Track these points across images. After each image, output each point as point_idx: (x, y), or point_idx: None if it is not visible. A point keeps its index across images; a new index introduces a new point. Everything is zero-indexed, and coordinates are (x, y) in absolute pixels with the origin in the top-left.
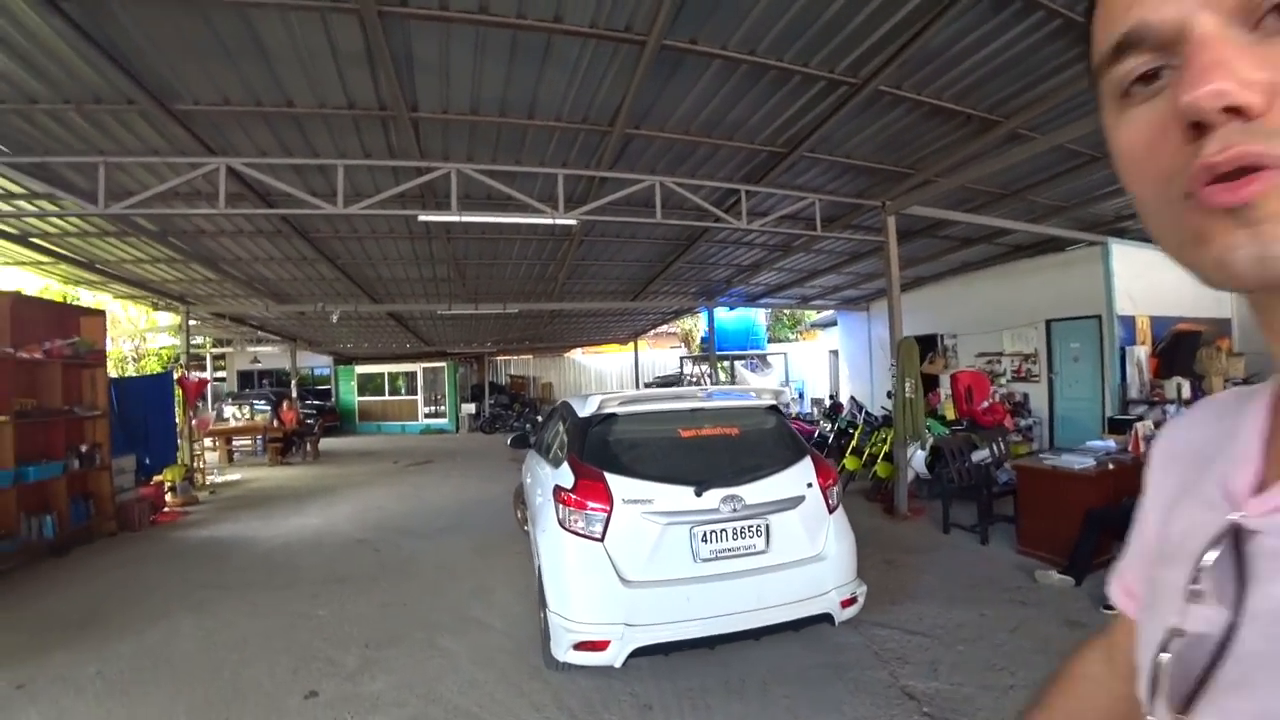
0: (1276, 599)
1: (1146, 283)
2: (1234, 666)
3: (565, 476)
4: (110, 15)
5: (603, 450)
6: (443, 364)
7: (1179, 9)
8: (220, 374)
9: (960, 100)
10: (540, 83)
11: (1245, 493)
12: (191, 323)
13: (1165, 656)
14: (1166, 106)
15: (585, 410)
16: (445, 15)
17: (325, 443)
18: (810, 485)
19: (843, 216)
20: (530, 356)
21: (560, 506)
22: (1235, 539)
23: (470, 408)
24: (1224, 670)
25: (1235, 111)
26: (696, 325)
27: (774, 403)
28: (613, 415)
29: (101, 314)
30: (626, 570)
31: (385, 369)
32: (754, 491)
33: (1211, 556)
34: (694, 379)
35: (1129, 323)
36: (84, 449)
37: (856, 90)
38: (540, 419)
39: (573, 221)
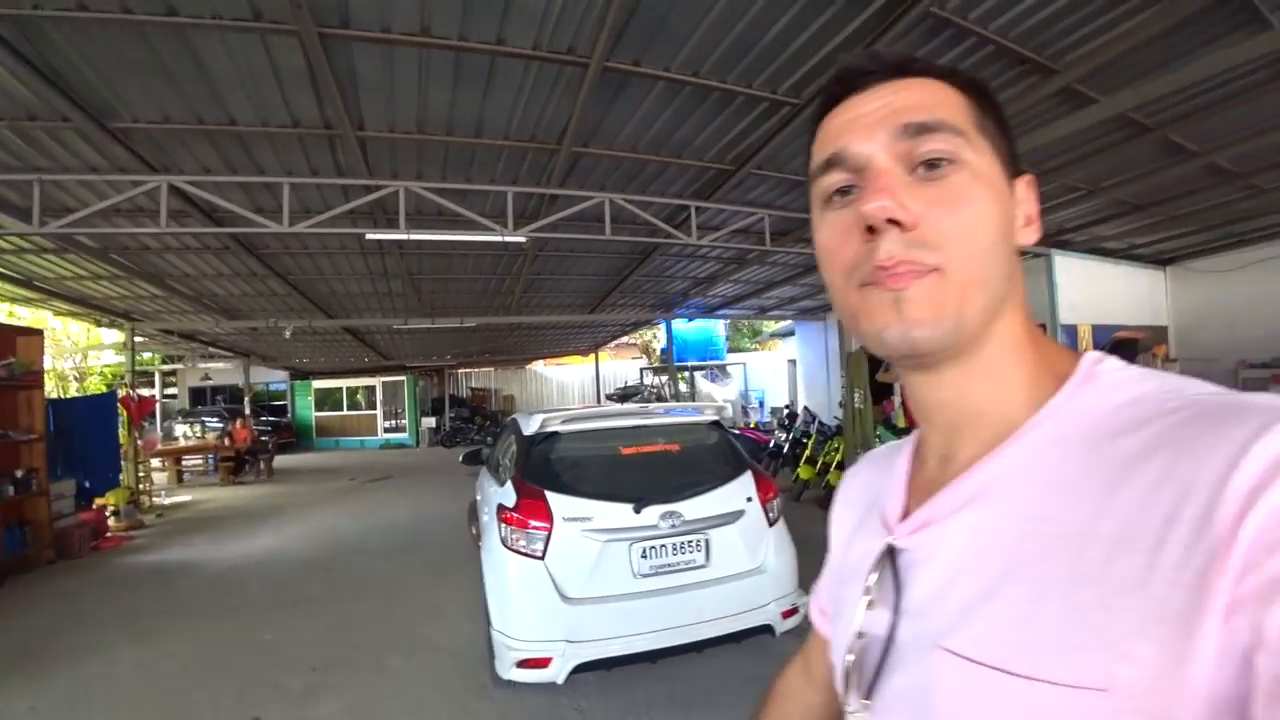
0: (917, 598)
1: (1088, 293)
2: (896, 654)
3: (508, 495)
4: (43, 35)
5: (545, 469)
6: (402, 378)
7: (868, 147)
8: (171, 391)
9: None
10: (486, 102)
11: (895, 521)
12: (138, 340)
13: (850, 656)
14: (853, 215)
15: (529, 428)
16: (387, 37)
17: (281, 460)
18: (750, 500)
19: (794, 230)
20: (491, 369)
21: (503, 525)
22: (891, 556)
23: (431, 421)
24: (890, 659)
25: (895, 223)
26: (656, 336)
27: (716, 418)
28: (555, 434)
29: (39, 333)
30: (567, 587)
31: (343, 383)
32: (693, 507)
33: (874, 577)
34: (654, 389)
35: (1072, 331)
36: (19, 474)
37: (799, 110)
38: (499, 432)
39: (522, 239)
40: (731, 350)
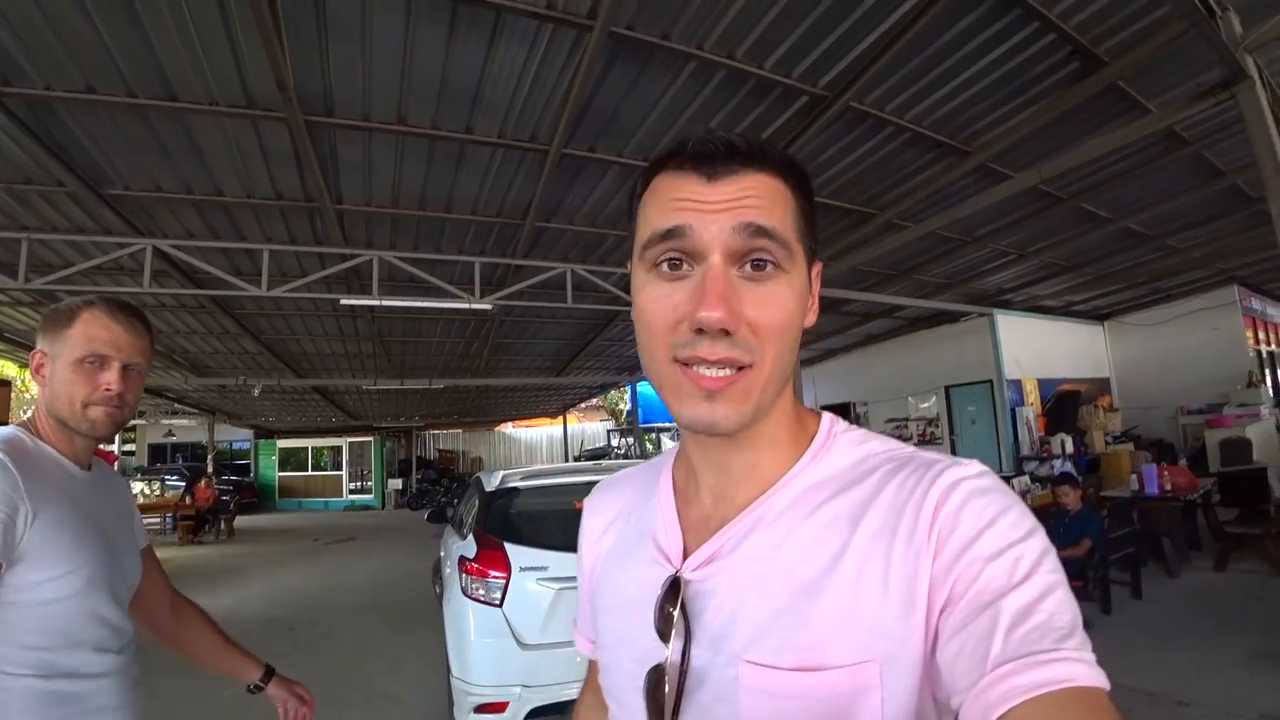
0: (711, 624)
1: (1031, 349)
2: (694, 677)
3: (470, 547)
4: (54, 114)
5: (504, 521)
6: (369, 438)
7: (708, 237)
8: (129, 447)
9: (837, 196)
10: (456, 181)
11: (678, 556)
12: None
13: (648, 688)
14: (683, 294)
15: (490, 485)
16: (367, 125)
17: (242, 520)
18: None
19: None
20: (460, 430)
21: (464, 575)
22: (677, 588)
23: (397, 483)
24: (690, 682)
25: (723, 330)
26: (623, 399)
27: None
28: (515, 489)
29: (7, 384)
30: (524, 634)
31: (309, 443)
32: None
33: (665, 605)
34: (621, 450)
35: (1017, 386)
36: None
37: None
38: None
39: (488, 306)
40: None
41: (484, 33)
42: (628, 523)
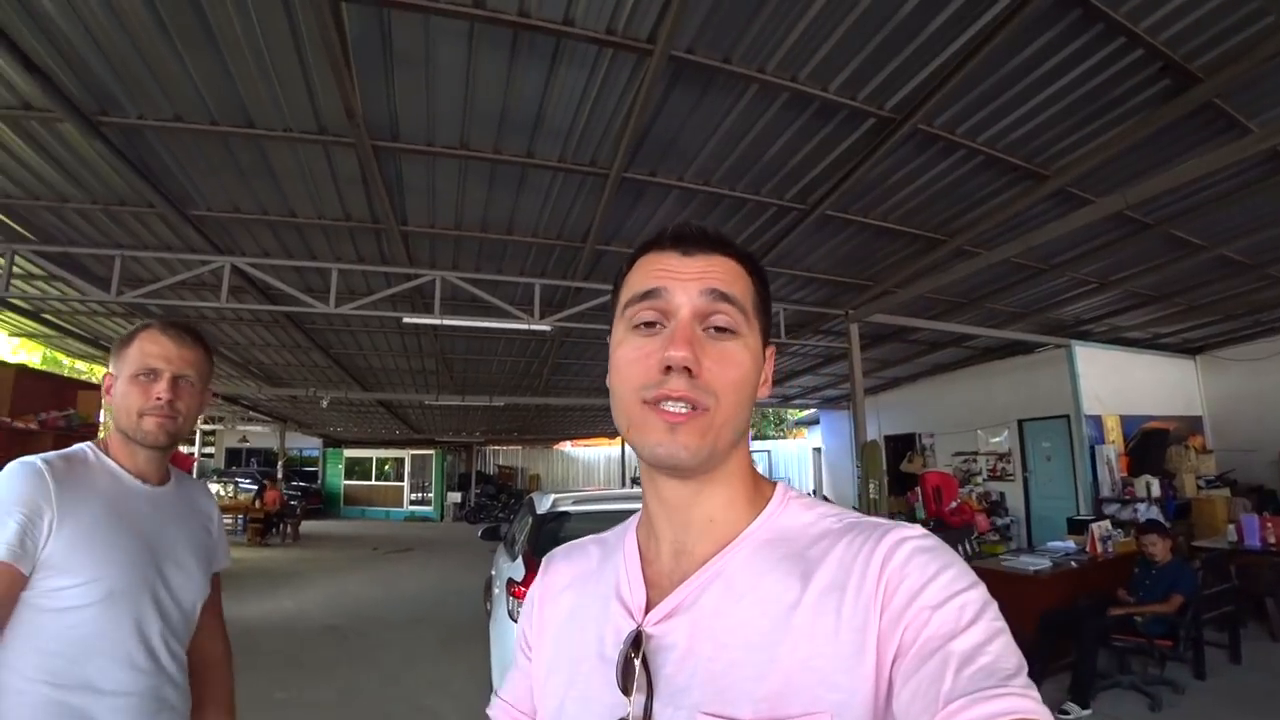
0: (665, 679)
1: (1113, 383)
2: None
3: (518, 570)
4: (145, 142)
5: (554, 545)
6: (431, 451)
7: (681, 299)
8: (209, 450)
9: (905, 222)
10: (518, 204)
11: (640, 611)
12: None
13: None
14: (654, 346)
15: (542, 507)
16: (431, 150)
17: (307, 525)
18: None
19: (811, 323)
20: (519, 447)
21: (511, 598)
22: (639, 642)
23: (456, 496)
24: None
25: (687, 369)
26: None
27: None
28: (565, 513)
29: (99, 388)
30: None
31: (374, 453)
32: None
33: (629, 659)
34: None
35: (1097, 422)
36: None
37: (806, 215)
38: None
39: (547, 328)
40: (756, 438)
41: (544, 58)
42: (588, 584)
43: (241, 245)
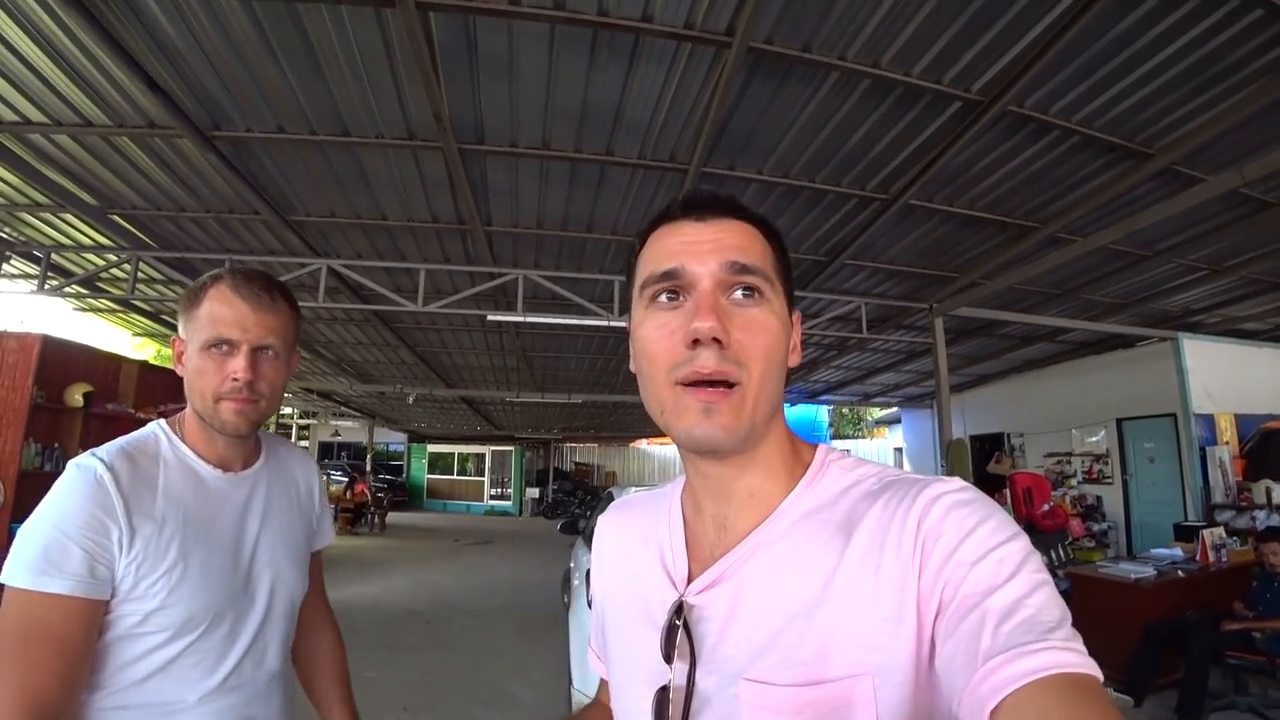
0: (712, 645)
1: (1227, 379)
2: (698, 700)
3: None
4: (252, 153)
5: None
6: (510, 448)
7: (701, 270)
8: (304, 443)
9: (993, 209)
10: (597, 202)
11: (683, 581)
12: (285, 395)
13: (662, 701)
14: (679, 320)
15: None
16: (514, 151)
17: (393, 517)
18: None
19: (893, 318)
20: (596, 444)
21: (590, 589)
22: (682, 611)
23: (534, 492)
24: (695, 702)
25: (716, 340)
26: None
27: None
28: None
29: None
30: None
31: (456, 449)
32: None
33: (671, 628)
34: None
35: (1208, 421)
36: None
37: (888, 205)
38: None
39: (626, 324)
40: (836, 437)
41: (623, 56)
42: (640, 545)
43: (337, 248)
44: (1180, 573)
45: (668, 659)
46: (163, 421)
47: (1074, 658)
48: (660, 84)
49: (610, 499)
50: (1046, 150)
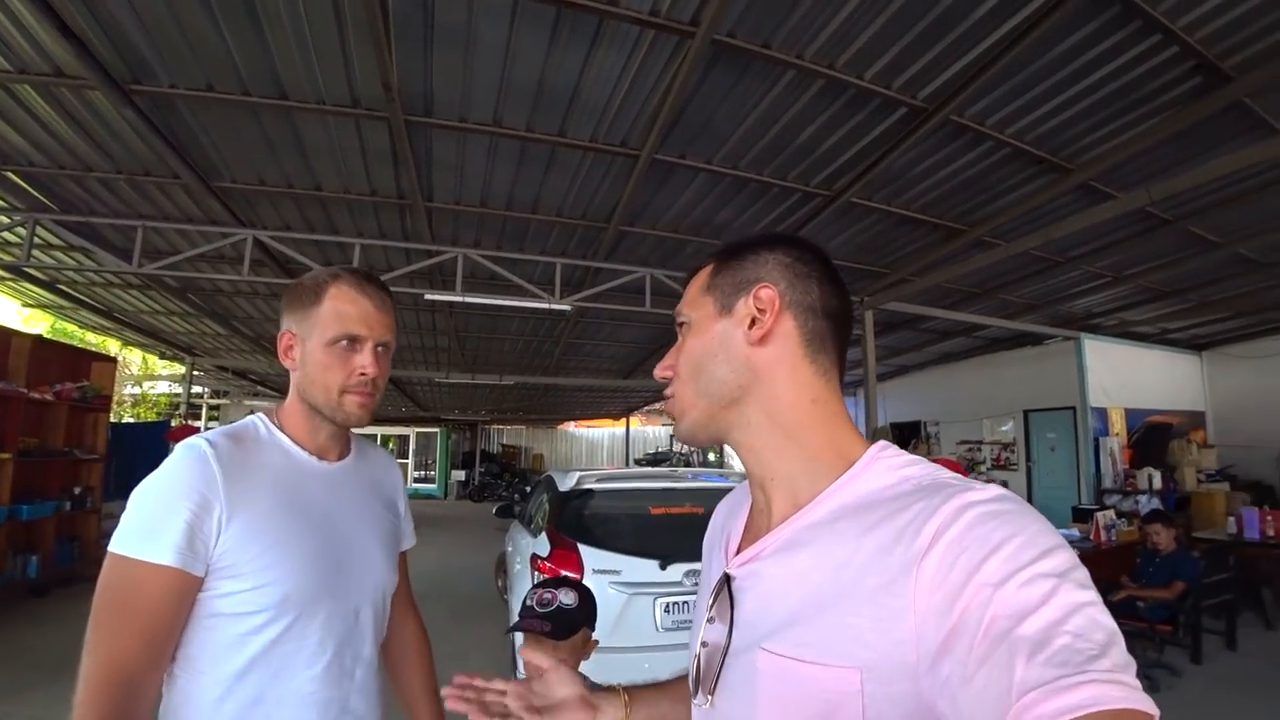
0: (745, 614)
1: (1120, 377)
2: (731, 659)
3: (542, 545)
4: (175, 110)
5: (578, 522)
6: (436, 430)
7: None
8: (214, 425)
9: (927, 211)
10: (545, 183)
11: (732, 555)
12: (195, 373)
13: (699, 660)
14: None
15: (565, 484)
16: (464, 126)
17: None
18: None
19: None
20: (524, 427)
21: (535, 573)
22: (728, 581)
23: (460, 475)
24: (727, 663)
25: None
26: None
27: None
28: (590, 490)
29: (114, 360)
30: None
31: (378, 430)
32: None
33: (714, 598)
34: (683, 456)
35: (1102, 414)
36: (77, 491)
37: (831, 201)
38: (529, 489)
39: (567, 307)
40: None
41: (585, 38)
42: (724, 521)
43: (264, 218)
44: (1077, 551)
45: (710, 619)
46: (260, 415)
47: (1118, 691)
48: (620, 69)
49: (551, 482)
50: (980, 159)
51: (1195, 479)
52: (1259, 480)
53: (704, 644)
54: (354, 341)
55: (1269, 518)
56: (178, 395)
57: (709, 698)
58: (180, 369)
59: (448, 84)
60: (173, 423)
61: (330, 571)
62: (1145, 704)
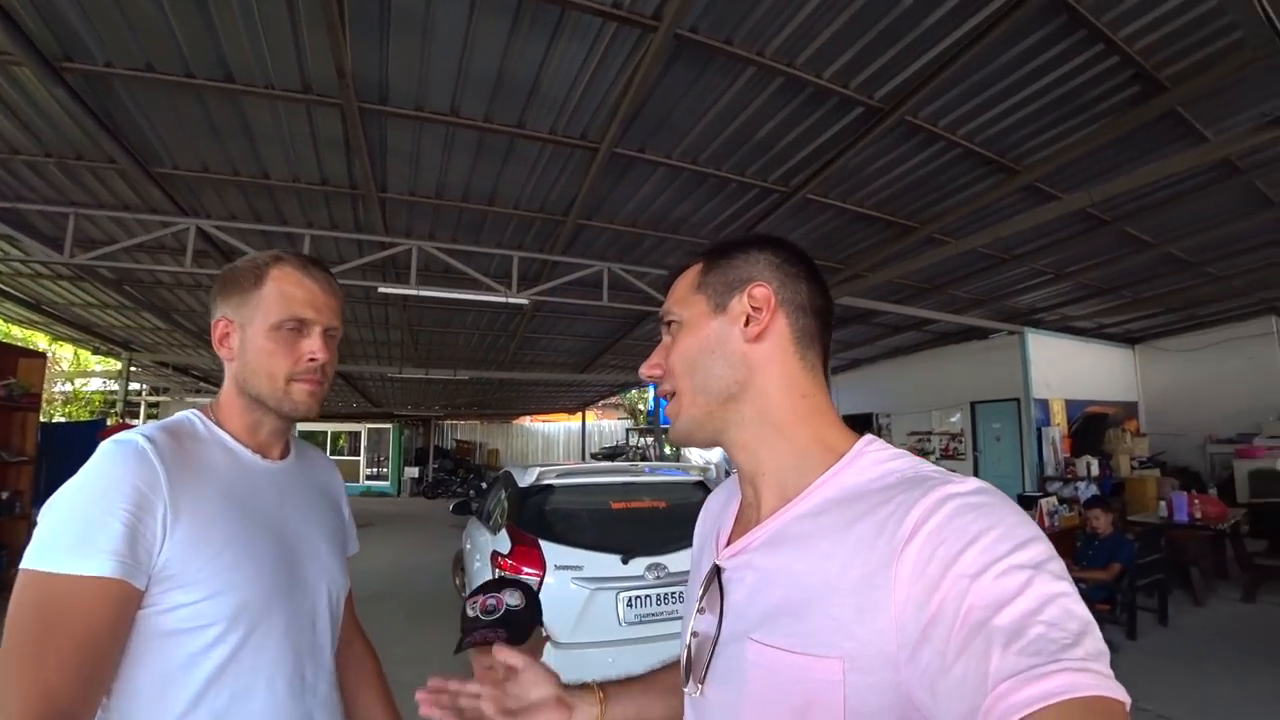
0: (733, 605)
1: (1060, 369)
2: (721, 649)
3: (503, 542)
4: (111, 91)
5: (539, 518)
6: (388, 425)
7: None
8: (151, 423)
9: (880, 208)
10: (502, 175)
11: (722, 547)
12: (132, 370)
13: (689, 649)
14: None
15: (525, 480)
16: (420, 115)
17: None
18: None
19: None
20: (478, 422)
21: (496, 570)
22: (718, 573)
23: (414, 471)
24: (717, 653)
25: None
26: (643, 399)
27: (700, 479)
28: (550, 486)
29: (43, 356)
30: (556, 633)
31: (328, 427)
32: (678, 560)
33: (705, 589)
34: (639, 450)
35: (1044, 405)
36: (5, 496)
37: (788, 197)
38: (485, 485)
39: (524, 301)
40: None
41: (546, 29)
42: (716, 514)
43: (208, 207)
44: None
45: (700, 610)
46: (194, 411)
47: (1090, 679)
48: (581, 61)
49: (509, 477)
50: (933, 158)
51: (1129, 466)
52: (1186, 466)
53: (694, 634)
54: (301, 325)
55: (1196, 501)
56: (113, 393)
57: (699, 686)
58: (116, 365)
59: (404, 71)
60: (108, 421)
61: (284, 576)
62: (1117, 691)
